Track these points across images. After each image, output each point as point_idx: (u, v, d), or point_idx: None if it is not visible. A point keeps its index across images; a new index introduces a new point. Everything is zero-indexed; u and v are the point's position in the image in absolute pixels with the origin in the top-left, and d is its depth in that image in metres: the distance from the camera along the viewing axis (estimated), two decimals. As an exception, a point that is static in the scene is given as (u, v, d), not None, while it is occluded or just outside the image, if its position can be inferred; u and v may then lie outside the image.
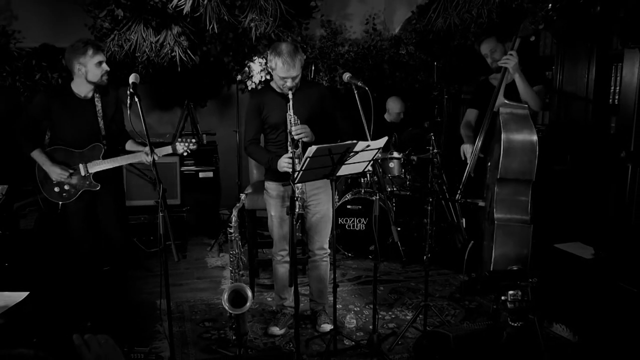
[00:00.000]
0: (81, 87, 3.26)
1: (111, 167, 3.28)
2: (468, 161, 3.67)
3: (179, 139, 3.27)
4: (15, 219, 3.82)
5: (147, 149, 3.10)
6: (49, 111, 3.26)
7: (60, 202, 3.30)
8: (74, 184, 3.28)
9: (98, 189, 3.30)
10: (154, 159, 2.86)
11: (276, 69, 3.06)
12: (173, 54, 4.54)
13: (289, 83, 3.04)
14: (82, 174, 3.26)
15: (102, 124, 3.29)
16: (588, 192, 4.00)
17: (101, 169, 3.28)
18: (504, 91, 3.48)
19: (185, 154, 3.26)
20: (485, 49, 3.68)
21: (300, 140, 3.06)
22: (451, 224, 4.71)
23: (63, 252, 4.11)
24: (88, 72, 3.18)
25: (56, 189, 3.27)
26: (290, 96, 3.03)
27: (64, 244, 3.56)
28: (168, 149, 3.25)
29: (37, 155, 3.26)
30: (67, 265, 3.62)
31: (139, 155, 3.24)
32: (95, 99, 3.29)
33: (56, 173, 3.21)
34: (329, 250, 3.43)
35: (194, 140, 3.26)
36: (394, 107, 5.22)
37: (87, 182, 3.28)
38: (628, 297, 2.99)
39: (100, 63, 3.19)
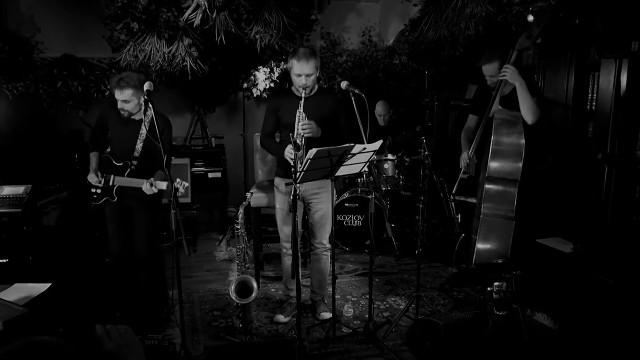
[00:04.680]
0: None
1: (131, 185, 3.18)
2: (462, 167, 3.65)
3: (178, 180, 3.00)
4: (39, 216, 3.82)
5: (148, 181, 3.05)
6: (106, 121, 3.31)
7: (93, 203, 3.30)
8: (102, 190, 3.26)
9: (115, 201, 3.24)
10: (167, 166, 2.86)
11: (292, 68, 3.10)
12: (184, 64, 4.54)
13: (302, 80, 3.06)
14: (109, 183, 3.23)
15: (139, 145, 3.20)
16: (568, 191, 4.00)
17: (122, 185, 3.22)
18: (501, 102, 3.46)
19: (179, 193, 2.97)
20: (490, 70, 3.53)
21: (303, 137, 3.03)
22: (447, 217, 4.70)
23: (87, 248, 4.12)
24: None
25: (92, 190, 3.29)
26: (303, 95, 3.05)
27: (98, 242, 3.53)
28: (164, 185, 3.06)
29: (91, 157, 3.31)
30: (90, 259, 3.60)
31: (141, 182, 3.11)
32: (144, 122, 3.19)
33: (89, 176, 3.24)
34: (328, 245, 3.44)
35: (186, 184, 3.07)
36: (377, 110, 5.20)
37: (109, 192, 3.25)
38: (604, 288, 3.00)
39: (121, 101, 3.10)
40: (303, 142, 3.03)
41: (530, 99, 3.32)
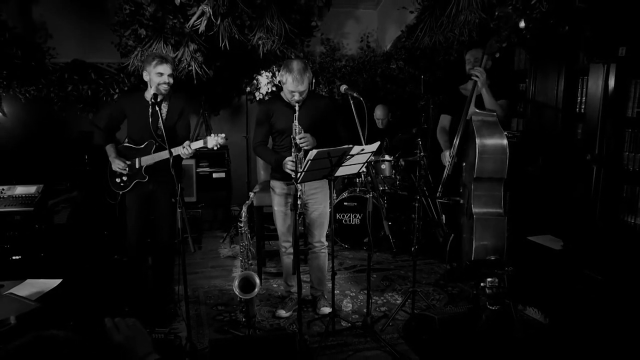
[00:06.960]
0: (149, 93, 3.22)
1: (158, 159, 3.20)
2: (446, 165, 3.67)
3: (212, 134, 3.11)
4: (50, 214, 3.81)
5: (185, 143, 3.08)
6: (123, 111, 3.32)
7: (120, 192, 3.32)
8: (130, 175, 3.28)
9: (146, 180, 3.25)
10: (171, 155, 2.84)
11: (286, 84, 3.06)
12: (190, 69, 4.54)
13: (296, 97, 3.05)
14: (136, 166, 3.25)
15: (160, 124, 3.14)
16: (557, 190, 4.00)
17: (151, 162, 3.23)
18: (476, 103, 3.50)
19: (215, 148, 3.10)
20: (471, 56, 3.69)
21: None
22: (433, 219, 4.72)
23: (97, 245, 4.10)
24: (151, 79, 3.16)
25: (117, 180, 3.31)
26: (297, 108, 3.05)
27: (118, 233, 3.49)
28: (200, 143, 3.10)
29: (108, 149, 3.32)
30: (100, 256, 3.57)
31: (177, 149, 3.11)
32: (163, 103, 3.22)
33: (115, 164, 3.26)
34: (326, 243, 3.44)
35: (222, 135, 3.11)
36: (376, 113, 5.21)
37: (139, 174, 3.27)
38: (592, 284, 3.00)
39: (160, 74, 3.12)
40: (302, 149, 3.06)
41: (493, 103, 3.47)
